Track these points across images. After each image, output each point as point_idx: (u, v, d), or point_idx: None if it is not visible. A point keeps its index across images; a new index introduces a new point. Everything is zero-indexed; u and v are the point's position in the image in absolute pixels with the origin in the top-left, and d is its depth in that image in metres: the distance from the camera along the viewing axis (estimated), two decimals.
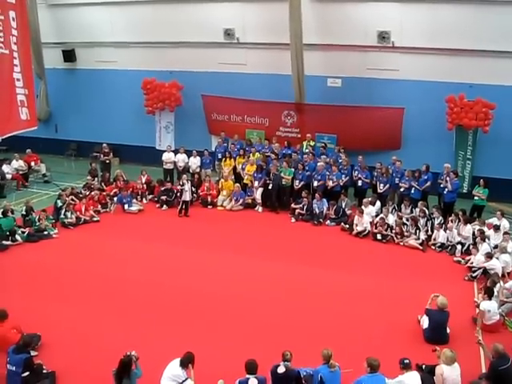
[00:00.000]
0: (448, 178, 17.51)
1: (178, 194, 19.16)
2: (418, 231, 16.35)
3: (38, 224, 16.57)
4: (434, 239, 16.20)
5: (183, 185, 18.78)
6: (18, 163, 22.16)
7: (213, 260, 14.94)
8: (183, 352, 8.66)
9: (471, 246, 15.04)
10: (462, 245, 15.56)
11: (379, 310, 12.04)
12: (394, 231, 16.61)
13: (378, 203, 18.20)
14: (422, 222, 16.62)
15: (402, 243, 16.29)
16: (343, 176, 19.00)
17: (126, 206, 19.14)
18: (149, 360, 9.12)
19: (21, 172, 22.12)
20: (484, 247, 14.35)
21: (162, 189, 19.95)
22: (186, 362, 8.53)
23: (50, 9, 24.91)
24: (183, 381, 8.47)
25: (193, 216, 18.83)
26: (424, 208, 17.00)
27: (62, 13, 24.81)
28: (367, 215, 17.35)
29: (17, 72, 19.37)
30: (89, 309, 11.92)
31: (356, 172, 19.09)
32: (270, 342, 10.33)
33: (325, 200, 18.52)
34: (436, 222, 16.57)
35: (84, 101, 25.99)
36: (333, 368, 8.61)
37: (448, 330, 10.76)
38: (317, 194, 18.55)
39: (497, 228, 15.48)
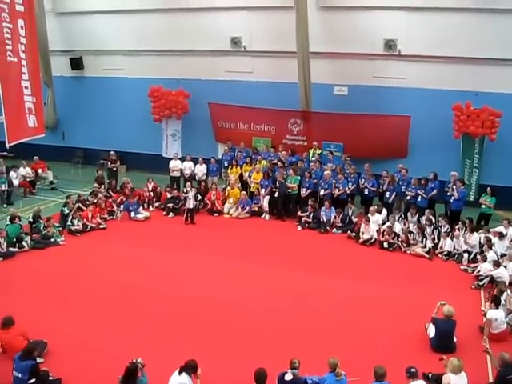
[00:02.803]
0: (455, 187, 17.46)
1: (182, 202, 19.20)
2: (424, 239, 16.30)
3: (45, 231, 16.63)
4: (441, 247, 16.14)
5: (187, 192, 18.83)
6: (25, 170, 22.26)
7: (219, 267, 14.94)
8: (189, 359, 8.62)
9: (478, 255, 14.98)
10: (469, 253, 15.49)
11: (386, 319, 12.00)
12: (400, 239, 16.58)
13: (385, 211, 18.16)
14: (428, 230, 16.56)
15: (408, 251, 16.24)
16: (350, 184, 18.99)
17: (132, 214, 19.17)
18: (155, 367, 9.12)
19: (28, 179, 22.21)
20: (491, 255, 14.29)
21: (169, 196, 19.99)
22: (190, 369, 8.44)
23: (58, 17, 25.07)
24: None
25: (199, 223, 18.84)
26: (431, 216, 16.96)
27: (69, 21, 24.95)
28: (374, 223, 17.31)
29: (25, 80, 19.53)
30: (95, 316, 11.93)
31: (363, 180, 19.07)
32: (276, 350, 10.31)
33: (333, 208, 18.51)
34: (443, 230, 16.50)
35: (91, 108, 26.09)
36: (339, 376, 8.58)
37: (455, 339, 10.71)
38: (326, 202, 18.49)
39: (501, 235, 15.41)
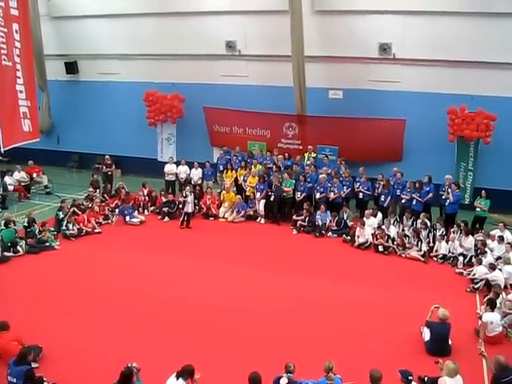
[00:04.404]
0: (449, 190, 17.49)
1: (181, 206, 19.13)
2: (419, 243, 16.32)
3: (40, 236, 16.59)
4: (436, 251, 16.16)
5: (186, 196, 18.78)
6: (19, 175, 22.21)
7: (214, 271, 14.92)
8: (185, 364, 8.58)
9: (473, 258, 14.99)
10: (464, 256, 15.52)
11: (381, 322, 12.01)
12: (395, 243, 16.58)
13: (380, 215, 18.19)
14: (423, 233, 16.58)
15: (403, 255, 16.26)
16: (344, 188, 19.00)
17: (127, 218, 19.14)
18: (150, 372, 9.11)
19: (23, 183, 22.17)
20: (488, 258, 14.29)
21: (164, 200, 19.97)
22: (186, 374, 8.43)
23: (53, 21, 25.05)
24: None
25: (194, 228, 18.82)
26: (426, 220, 16.98)
27: (64, 25, 24.96)
28: (369, 227, 17.31)
29: (20, 84, 19.44)
30: (90, 320, 11.90)
31: (358, 184, 19.08)
32: (272, 354, 10.31)
33: (328, 212, 18.51)
34: (438, 233, 16.53)
35: (86, 113, 26.08)
36: (330, 381, 8.55)
37: (450, 342, 10.71)
38: (322, 206, 18.53)
39: (501, 239, 15.43)
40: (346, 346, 10.94)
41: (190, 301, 13.01)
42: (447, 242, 16.10)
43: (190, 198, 18.79)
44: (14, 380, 8.78)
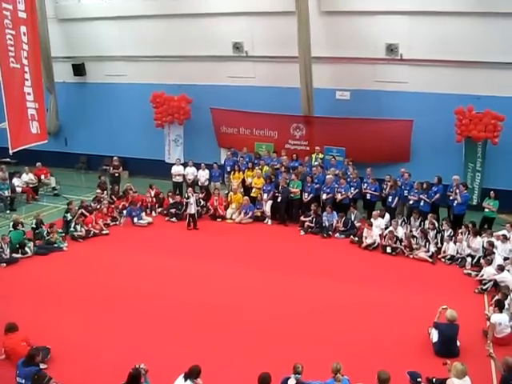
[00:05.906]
0: (458, 191, 17.43)
1: (184, 207, 19.20)
2: (427, 244, 16.27)
3: (48, 237, 16.65)
4: (444, 252, 16.11)
5: (188, 198, 18.84)
6: (28, 176, 22.31)
7: (222, 273, 14.92)
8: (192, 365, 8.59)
9: (481, 259, 14.93)
10: (472, 257, 15.45)
11: (389, 323, 11.98)
12: (403, 244, 16.54)
13: (387, 216, 18.13)
14: (431, 234, 16.53)
15: (411, 256, 16.21)
16: (352, 188, 18.97)
17: (135, 219, 19.18)
18: (158, 373, 9.09)
19: (31, 185, 22.26)
20: (498, 260, 14.23)
21: (171, 202, 20.01)
22: (194, 375, 8.45)
23: (60, 23, 25.18)
24: None
25: (202, 229, 18.84)
26: (434, 220, 16.93)
27: (72, 27, 25.05)
28: (376, 228, 17.27)
29: (27, 86, 19.58)
30: (98, 321, 11.91)
31: (365, 185, 19.05)
32: (280, 355, 10.29)
33: (334, 213, 18.49)
34: (446, 234, 16.47)
35: (93, 114, 26.18)
36: (338, 382, 8.54)
37: (458, 343, 10.67)
38: (328, 208, 18.53)
39: (505, 238, 15.37)
40: (353, 347, 10.91)
41: (197, 301, 12.99)
42: (455, 242, 16.04)
43: (193, 199, 18.80)
44: (23, 381, 8.82)
